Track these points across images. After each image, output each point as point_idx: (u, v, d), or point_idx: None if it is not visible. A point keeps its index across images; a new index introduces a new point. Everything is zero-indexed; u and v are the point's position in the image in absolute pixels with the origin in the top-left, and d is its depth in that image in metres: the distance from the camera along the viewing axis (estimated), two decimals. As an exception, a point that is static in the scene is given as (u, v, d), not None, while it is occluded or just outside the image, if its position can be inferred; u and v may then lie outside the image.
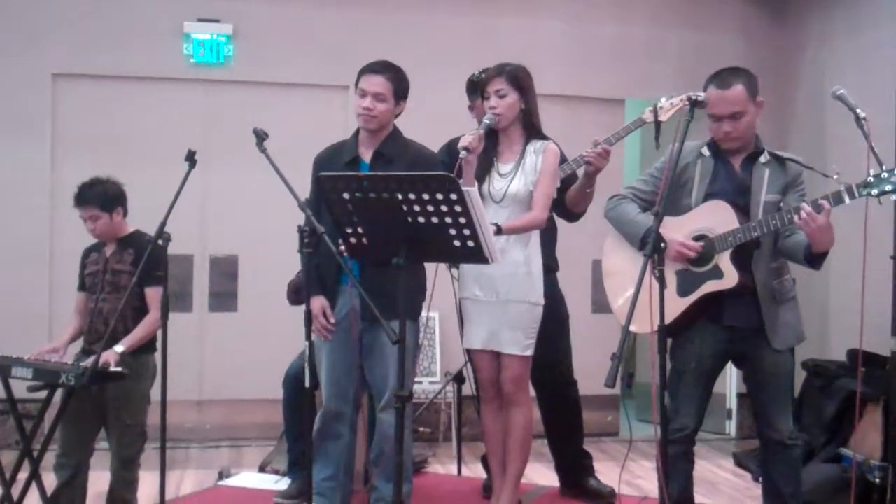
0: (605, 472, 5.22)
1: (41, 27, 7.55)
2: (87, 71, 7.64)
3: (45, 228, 7.50)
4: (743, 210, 4.00)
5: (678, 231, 4.04)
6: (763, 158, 4.06)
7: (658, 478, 3.59)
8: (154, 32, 7.71)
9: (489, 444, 4.58)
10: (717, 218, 3.98)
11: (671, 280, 4.03)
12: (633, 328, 3.61)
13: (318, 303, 4.46)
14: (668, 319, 3.94)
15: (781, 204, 3.98)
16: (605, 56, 8.32)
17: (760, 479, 4.30)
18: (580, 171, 4.76)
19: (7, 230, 7.45)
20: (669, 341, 4.10)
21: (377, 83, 4.46)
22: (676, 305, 4.03)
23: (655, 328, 4.01)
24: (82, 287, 5.10)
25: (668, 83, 8.00)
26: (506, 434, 4.45)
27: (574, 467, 5.15)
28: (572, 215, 4.96)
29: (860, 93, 4.09)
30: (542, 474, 5.95)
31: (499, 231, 4.19)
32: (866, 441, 6.35)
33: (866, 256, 3.87)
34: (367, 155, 4.54)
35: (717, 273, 3.97)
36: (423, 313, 4.56)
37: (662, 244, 3.58)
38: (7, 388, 4.75)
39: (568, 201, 4.84)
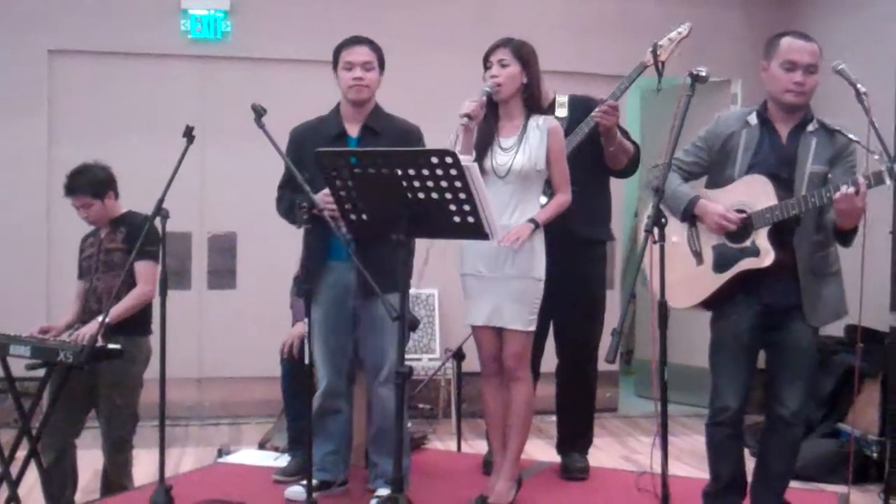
0: (605, 448, 5.24)
1: (37, 4, 7.51)
2: (83, 47, 7.61)
3: (42, 207, 7.46)
4: (786, 182, 3.87)
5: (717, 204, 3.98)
6: (811, 127, 3.93)
7: (661, 456, 3.57)
8: (151, 8, 7.68)
9: (490, 421, 4.58)
10: (755, 193, 3.87)
11: (708, 255, 4.00)
12: (670, 303, 3.63)
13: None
14: (703, 296, 4.00)
15: (829, 175, 3.85)
16: (607, 32, 8.28)
17: (751, 454, 4.23)
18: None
19: (4, 209, 7.43)
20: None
21: (364, 52, 4.49)
22: (712, 281, 3.98)
23: (689, 305, 4.05)
24: (81, 274, 5.09)
25: (669, 58, 7.99)
26: (507, 410, 4.45)
27: (569, 440, 5.15)
28: (619, 172, 5.02)
29: (860, 68, 4.06)
30: (542, 450, 5.95)
31: (537, 226, 4.24)
32: (864, 416, 6.37)
33: (865, 232, 3.85)
34: (353, 129, 4.54)
35: (754, 250, 3.87)
36: (425, 290, 4.57)
37: (663, 219, 3.54)
38: (5, 366, 4.75)
39: (607, 163, 4.86)
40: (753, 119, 4.00)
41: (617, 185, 8.19)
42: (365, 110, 4.55)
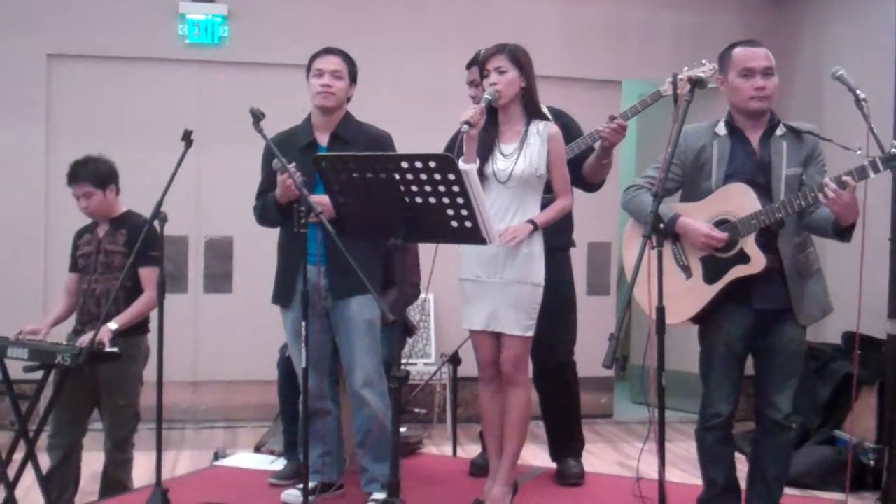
0: (599, 454, 5.22)
1: (36, 8, 7.52)
2: (82, 52, 7.62)
3: (40, 209, 7.48)
4: (764, 187, 3.91)
5: (699, 217, 3.98)
6: (779, 131, 3.98)
7: (658, 463, 3.57)
8: (149, 13, 7.69)
9: (487, 425, 4.57)
10: (737, 201, 3.90)
11: (696, 267, 4.00)
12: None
13: None
14: (698, 308, 3.99)
15: (804, 177, 3.91)
16: (601, 37, 8.31)
17: (748, 460, 4.23)
18: (596, 145, 4.77)
19: (2, 211, 7.44)
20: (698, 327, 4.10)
21: (334, 62, 4.54)
22: (704, 293, 3.98)
23: (684, 319, 4.03)
24: (74, 268, 5.09)
25: (664, 64, 7.97)
26: (503, 414, 4.44)
27: (561, 446, 5.14)
28: (591, 186, 5.02)
29: (859, 73, 4.06)
30: (537, 455, 5.95)
31: (535, 227, 4.25)
32: (861, 423, 6.38)
33: (864, 238, 3.85)
34: (323, 138, 4.56)
35: (744, 258, 3.89)
36: (420, 295, 4.58)
37: (661, 224, 3.54)
38: (3, 368, 4.76)
39: (585, 173, 4.87)
40: (722, 130, 4.04)
41: (611, 191, 8.30)
42: (334, 119, 4.57)
